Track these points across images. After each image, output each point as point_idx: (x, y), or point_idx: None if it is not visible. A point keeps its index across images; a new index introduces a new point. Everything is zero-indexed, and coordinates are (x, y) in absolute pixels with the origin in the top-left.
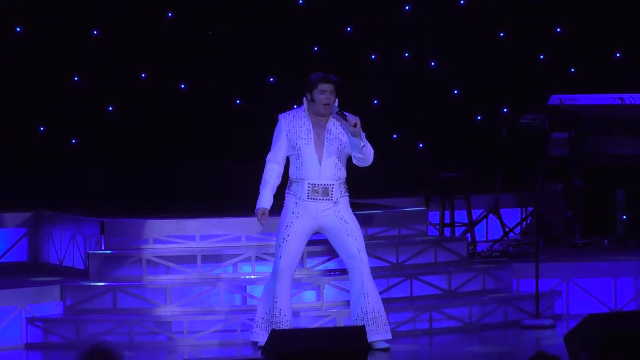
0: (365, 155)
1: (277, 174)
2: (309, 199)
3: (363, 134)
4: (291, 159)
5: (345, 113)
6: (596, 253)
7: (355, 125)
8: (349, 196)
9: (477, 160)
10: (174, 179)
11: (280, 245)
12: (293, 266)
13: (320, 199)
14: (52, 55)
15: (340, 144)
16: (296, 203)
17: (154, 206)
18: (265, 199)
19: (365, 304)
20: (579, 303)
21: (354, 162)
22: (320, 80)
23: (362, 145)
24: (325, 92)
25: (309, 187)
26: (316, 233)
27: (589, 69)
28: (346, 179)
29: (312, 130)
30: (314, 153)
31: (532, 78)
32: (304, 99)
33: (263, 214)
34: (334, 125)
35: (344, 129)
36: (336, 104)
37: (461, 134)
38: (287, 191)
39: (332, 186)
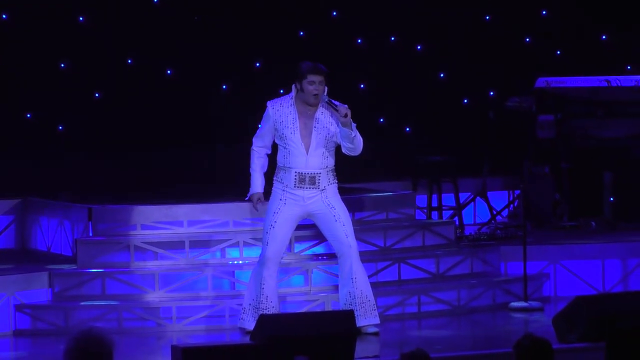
0: (356, 145)
1: (264, 156)
2: (296, 187)
3: (354, 124)
4: (279, 147)
5: (335, 103)
6: (584, 235)
7: (345, 115)
8: (337, 183)
9: (464, 144)
10: (161, 164)
11: (267, 232)
12: (280, 253)
13: (307, 187)
14: (39, 42)
15: (329, 133)
16: (283, 190)
17: (142, 192)
18: (257, 184)
19: (354, 289)
20: (566, 285)
21: (344, 151)
22: (309, 71)
23: (353, 135)
24: (314, 83)
25: (295, 175)
26: (304, 219)
27: (575, 52)
28: (334, 166)
29: (297, 120)
30: (300, 142)
31: (518, 61)
32: (293, 86)
33: (259, 199)
34: (322, 114)
35: (332, 118)
36: (325, 93)
37: (448, 117)
38: (274, 178)
39: (319, 175)
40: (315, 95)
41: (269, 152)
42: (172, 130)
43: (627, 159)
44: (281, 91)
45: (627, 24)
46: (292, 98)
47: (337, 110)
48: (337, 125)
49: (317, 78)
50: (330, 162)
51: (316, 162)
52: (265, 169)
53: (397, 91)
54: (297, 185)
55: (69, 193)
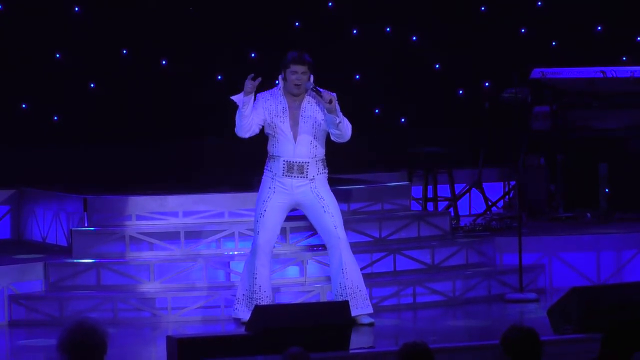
0: (342, 131)
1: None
2: (285, 176)
3: (339, 110)
4: (268, 136)
5: (320, 89)
6: (579, 226)
7: (330, 102)
8: (327, 173)
9: (459, 135)
10: (156, 154)
11: (257, 221)
12: (271, 241)
13: (295, 176)
14: (34, 32)
15: (316, 122)
16: (272, 179)
17: (137, 183)
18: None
19: (344, 280)
20: (562, 277)
21: (332, 138)
22: (292, 62)
23: (338, 121)
24: (296, 73)
25: (284, 164)
26: (293, 210)
27: (570, 43)
28: (325, 156)
29: (287, 109)
30: (289, 131)
31: (514, 52)
32: (280, 77)
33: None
34: (308, 103)
35: (319, 106)
36: (311, 81)
37: (443, 108)
38: (265, 168)
39: (307, 164)
40: (297, 85)
41: (259, 123)
42: (167, 121)
43: (622, 150)
44: (276, 82)
45: (622, 14)
46: (280, 89)
47: (321, 97)
48: (323, 112)
49: (299, 68)
50: (320, 151)
51: (304, 151)
52: (251, 125)
53: (393, 82)
54: (286, 174)
55: (65, 183)
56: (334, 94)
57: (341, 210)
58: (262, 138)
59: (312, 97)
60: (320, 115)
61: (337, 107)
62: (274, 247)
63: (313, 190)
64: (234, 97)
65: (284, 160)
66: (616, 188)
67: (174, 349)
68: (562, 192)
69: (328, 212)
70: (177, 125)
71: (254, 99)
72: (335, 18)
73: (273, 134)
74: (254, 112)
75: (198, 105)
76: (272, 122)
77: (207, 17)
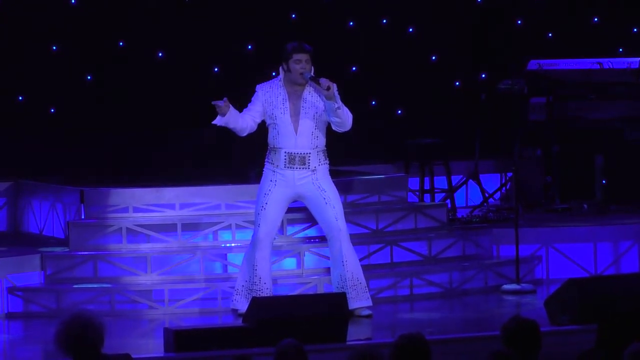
0: (343, 118)
1: (249, 117)
2: (286, 168)
3: (338, 97)
4: (269, 128)
5: (318, 78)
6: (575, 218)
7: (328, 89)
8: (328, 164)
9: (456, 126)
10: (153, 147)
11: (259, 214)
12: (272, 234)
13: (297, 168)
14: (31, 24)
15: (317, 112)
16: (274, 171)
17: (134, 174)
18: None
19: (345, 272)
20: (559, 268)
21: (333, 127)
22: (294, 51)
23: (336, 107)
24: (300, 62)
25: (285, 156)
26: (295, 201)
27: (567, 34)
28: (325, 146)
29: (288, 100)
30: (289, 122)
31: (510, 43)
32: (280, 68)
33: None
34: (309, 94)
35: (319, 95)
36: (312, 72)
37: (440, 100)
38: (265, 160)
39: (309, 155)
40: (302, 74)
41: (256, 119)
42: (163, 113)
43: (618, 141)
44: (273, 74)
45: (619, 6)
46: (280, 80)
47: (319, 84)
48: (323, 101)
49: (303, 57)
50: (321, 142)
51: (306, 142)
52: (243, 118)
53: (389, 74)
54: (287, 165)
55: (61, 175)
56: (335, 84)
57: None
58: (259, 130)
59: (312, 86)
60: (321, 105)
61: (337, 95)
62: (274, 239)
63: (314, 182)
64: (215, 122)
65: (285, 152)
66: (612, 179)
67: (171, 341)
68: (558, 184)
69: (329, 204)
70: (173, 117)
71: (257, 98)
72: (332, 10)
73: (273, 125)
74: (252, 108)
75: (194, 97)
76: (272, 114)
77: (203, 8)
